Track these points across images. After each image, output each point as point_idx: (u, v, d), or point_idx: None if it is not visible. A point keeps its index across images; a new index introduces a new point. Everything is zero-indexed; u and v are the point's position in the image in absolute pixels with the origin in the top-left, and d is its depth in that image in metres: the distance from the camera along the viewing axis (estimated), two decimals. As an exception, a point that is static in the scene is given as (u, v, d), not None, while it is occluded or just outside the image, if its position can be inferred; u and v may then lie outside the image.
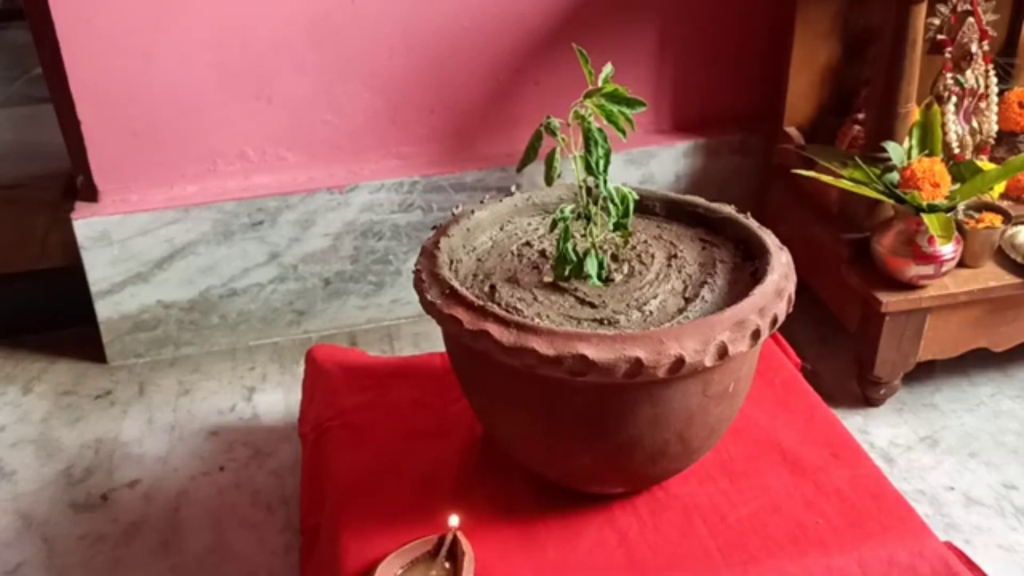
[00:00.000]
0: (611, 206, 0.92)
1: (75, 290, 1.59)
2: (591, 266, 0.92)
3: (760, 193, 1.75)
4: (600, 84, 0.89)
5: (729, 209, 1.03)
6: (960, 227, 1.37)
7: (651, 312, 0.88)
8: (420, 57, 1.59)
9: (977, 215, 1.42)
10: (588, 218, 0.93)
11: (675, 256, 0.97)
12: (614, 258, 0.96)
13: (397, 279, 1.71)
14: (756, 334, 0.83)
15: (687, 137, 1.76)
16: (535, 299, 0.91)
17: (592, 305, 0.90)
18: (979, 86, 1.53)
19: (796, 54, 1.58)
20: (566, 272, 0.93)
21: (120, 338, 1.62)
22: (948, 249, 1.32)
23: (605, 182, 0.90)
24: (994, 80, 1.53)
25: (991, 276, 1.40)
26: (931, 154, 1.35)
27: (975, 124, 1.55)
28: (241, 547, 1.24)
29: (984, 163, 1.46)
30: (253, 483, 1.34)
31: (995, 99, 1.54)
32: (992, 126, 1.55)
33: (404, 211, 1.66)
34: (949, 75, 1.51)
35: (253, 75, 1.55)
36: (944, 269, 1.34)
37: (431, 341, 1.63)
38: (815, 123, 1.65)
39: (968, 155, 1.53)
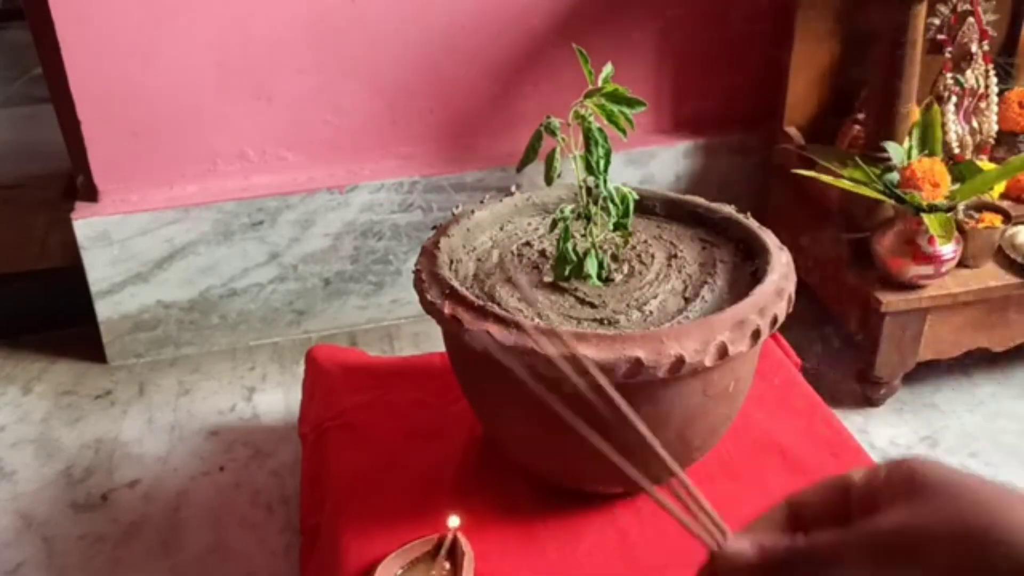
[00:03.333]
0: (611, 206, 0.92)
1: (75, 290, 1.59)
2: (591, 266, 0.92)
3: (760, 193, 1.75)
4: (600, 84, 0.89)
5: (729, 209, 1.02)
6: (960, 227, 1.37)
7: (651, 312, 0.88)
8: (420, 57, 1.59)
9: (977, 215, 1.42)
10: (588, 218, 0.93)
11: (675, 256, 0.97)
12: (614, 258, 0.96)
13: (397, 279, 1.70)
14: (756, 334, 0.83)
15: (687, 137, 1.76)
16: (535, 299, 0.91)
17: (592, 305, 0.90)
18: (979, 86, 1.53)
19: (796, 54, 1.58)
20: (566, 272, 0.93)
21: (120, 338, 1.62)
22: (948, 249, 1.32)
23: (605, 182, 0.90)
24: (994, 80, 1.53)
25: (991, 276, 1.40)
26: (931, 154, 1.35)
27: (975, 124, 1.55)
28: (241, 547, 1.24)
29: (984, 163, 1.46)
30: (253, 483, 1.34)
31: (995, 99, 1.54)
32: (992, 126, 1.55)
33: (404, 211, 1.66)
34: (949, 75, 1.51)
35: (253, 75, 1.55)
36: (944, 269, 1.34)
37: (431, 341, 1.63)
38: (815, 123, 1.65)
39: (968, 155, 1.53)
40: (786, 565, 0.39)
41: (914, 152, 1.36)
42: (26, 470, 1.39)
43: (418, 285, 0.92)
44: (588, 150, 0.89)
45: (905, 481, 0.37)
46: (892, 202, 1.32)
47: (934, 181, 1.30)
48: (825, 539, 0.38)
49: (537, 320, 0.86)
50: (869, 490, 0.39)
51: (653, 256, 0.97)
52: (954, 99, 1.52)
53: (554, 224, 0.93)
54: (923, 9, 1.32)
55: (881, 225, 1.38)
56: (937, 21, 1.49)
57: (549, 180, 0.90)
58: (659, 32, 1.69)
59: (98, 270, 1.56)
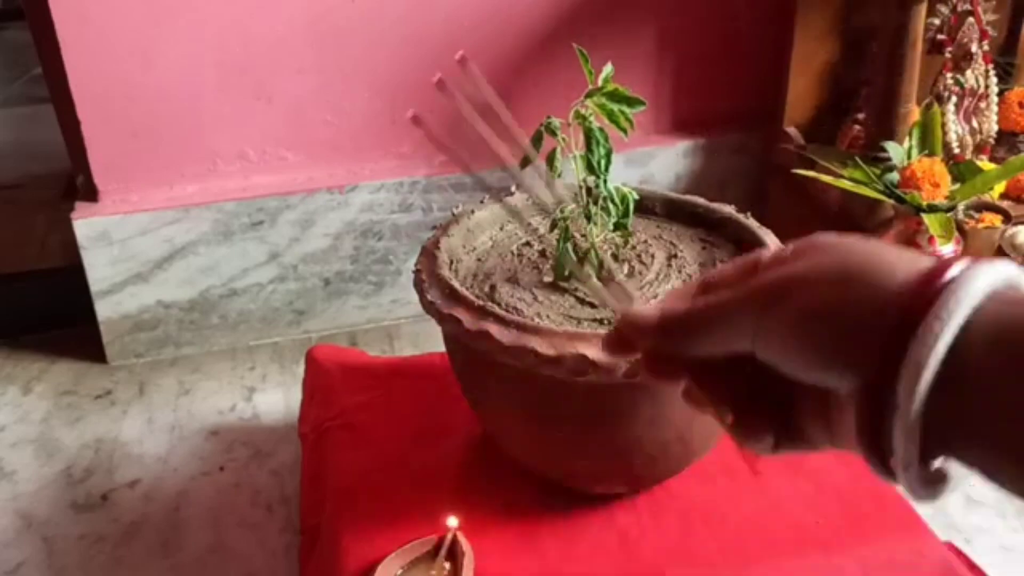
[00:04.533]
0: (611, 206, 0.92)
1: (75, 290, 1.59)
2: (591, 266, 0.92)
3: (760, 193, 1.75)
4: (600, 84, 0.89)
5: (729, 209, 1.03)
6: (960, 227, 1.37)
7: (651, 312, 0.88)
8: (420, 57, 1.59)
9: (977, 215, 1.42)
10: (588, 218, 0.93)
11: (675, 256, 0.97)
12: (614, 258, 0.96)
13: (397, 279, 1.71)
14: (756, 334, 0.83)
15: (687, 137, 1.76)
16: (535, 299, 0.91)
17: (592, 305, 0.90)
18: (979, 86, 1.53)
19: (796, 54, 1.58)
20: (566, 272, 0.93)
21: (120, 338, 1.62)
22: (948, 249, 1.32)
23: (606, 181, 0.90)
24: (994, 80, 1.53)
25: (991, 276, 1.40)
26: (931, 154, 1.35)
27: (975, 124, 1.55)
28: (241, 547, 1.24)
29: (984, 163, 1.46)
30: (253, 483, 1.34)
31: (995, 99, 1.54)
32: (992, 126, 1.55)
33: (404, 211, 1.66)
34: (949, 75, 1.51)
35: (253, 75, 1.55)
36: (944, 269, 1.34)
37: (431, 341, 1.62)
38: (815, 123, 1.65)
39: (968, 155, 1.53)
40: (682, 323, 0.42)
41: (914, 152, 1.36)
42: (26, 470, 1.39)
43: (418, 285, 0.92)
44: (589, 150, 0.89)
45: (805, 246, 0.40)
46: (892, 202, 1.32)
47: (934, 181, 1.30)
48: (719, 296, 0.41)
49: (537, 320, 0.86)
50: (773, 260, 0.41)
51: (653, 256, 0.97)
52: (954, 99, 1.52)
53: (554, 224, 0.93)
54: (923, 9, 1.32)
55: (881, 225, 1.38)
56: (937, 21, 1.49)
57: (549, 180, 0.90)
58: (659, 32, 1.69)
59: (98, 270, 1.56)
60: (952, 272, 0.34)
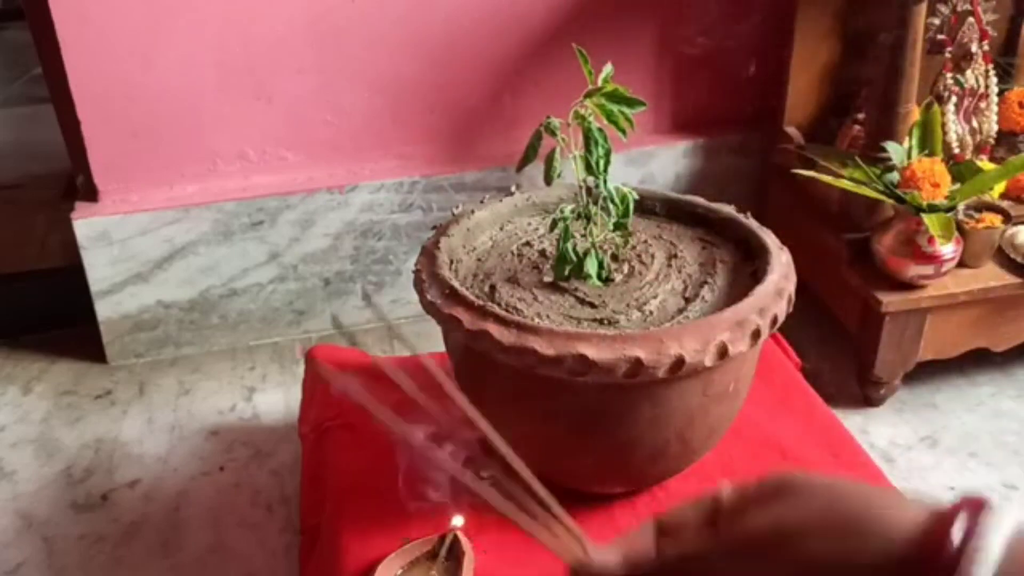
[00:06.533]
0: (611, 206, 0.92)
1: (75, 290, 1.59)
2: (591, 266, 0.92)
3: (760, 193, 1.75)
4: (600, 84, 0.89)
5: (729, 209, 1.02)
6: (960, 227, 1.37)
7: (651, 312, 0.88)
8: (420, 57, 1.59)
9: (977, 215, 1.42)
10: (588, 218, 0.93)
11: (675, 256, 0.97)
12: (614, 258, 0.96)
13: (397, 279, 1.70)
14: (756, 334, 0.83)
15: (687, 137, 1.76)
16: (535, 299, 0.91)
17: (592, 305, 0.90)
18: (979, 86, 1.53)
19: (796, 54, 1.58)
20: (566, 272, 0.93)
21: (120, 338, 1.62)
22: (948, 249, 1.32)
23: (605, 182, 0.90)
24: (994, 80, 1.53)
25: (991, 276, 1.40)
26: (931, 154, 1.35)
27: (975, 124, 1.55)
28: (241, 547, 1.24)
29: (984, 163, 1.46)
30: (253, 483, 1.34)
31: (995, 99, 1.54)
32: (992, 126, 1.55)
33: (404, 211, 1.66)
34: (949, 75, 1.51)
35: (253, 75, 1.55)
36: (944, 269, 1.34)
37: (431, 341, 1.62)
38: (815, 123, 1.65)
39: (968, 155, 1.53)
40: (656, 572, 0.39)
41: (914, 152, 1.36)
42: (26, 470, 1.39)
43: (418, 285, 0.92)
44: (588, 150, 0.89)
45: (778, 487, 0.38)
46: (892, 202, 1.32)
47: (934, 181, 1.30)
48: (690, 543, 0.39)
49: (537, 320, 0.86)
50: (740, 501, 0.39)
51: (653, 256, 0.97)
52: (954, 99, 1.52)
53: (554, 224, 0.93)
54: (923, 9, 1.32)
55: (881, 225, 1.38)
56: (937, 21, 1.49)
57: (549, 180, 0.90)
58: (659, 32, 1.69)
59: (98, 270, 1.56)
60: (956, 534, 0.34)
